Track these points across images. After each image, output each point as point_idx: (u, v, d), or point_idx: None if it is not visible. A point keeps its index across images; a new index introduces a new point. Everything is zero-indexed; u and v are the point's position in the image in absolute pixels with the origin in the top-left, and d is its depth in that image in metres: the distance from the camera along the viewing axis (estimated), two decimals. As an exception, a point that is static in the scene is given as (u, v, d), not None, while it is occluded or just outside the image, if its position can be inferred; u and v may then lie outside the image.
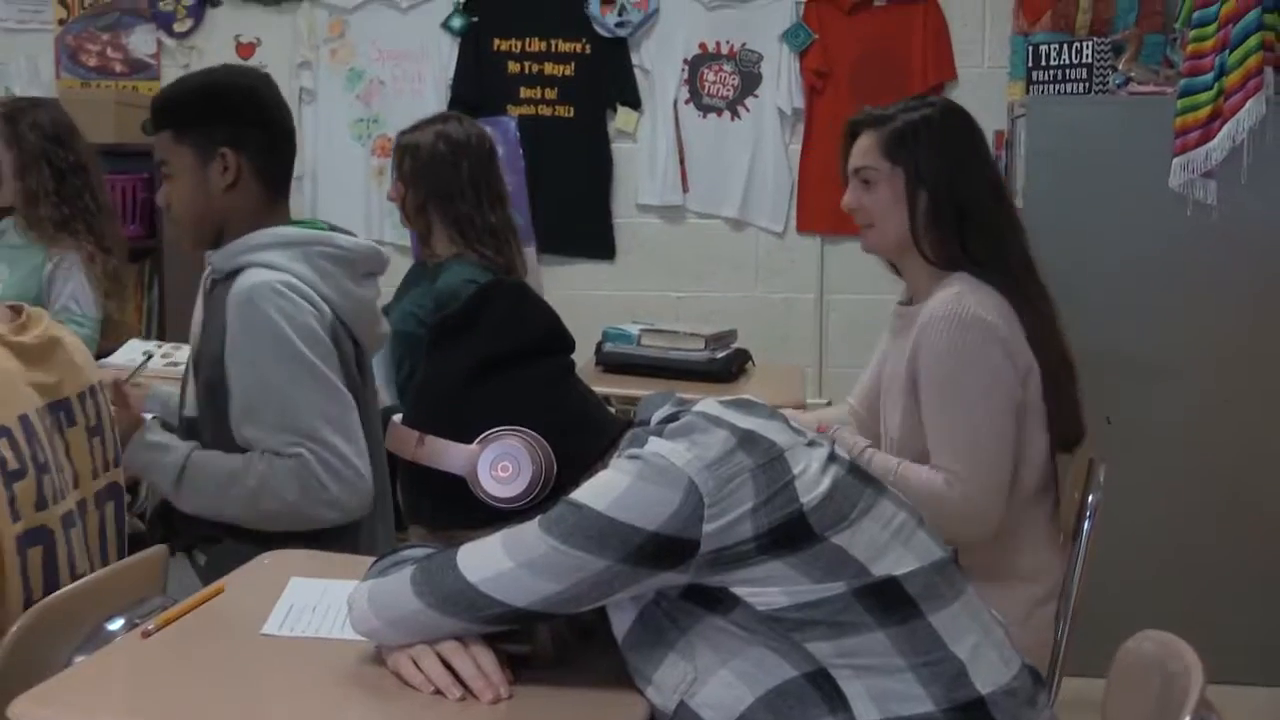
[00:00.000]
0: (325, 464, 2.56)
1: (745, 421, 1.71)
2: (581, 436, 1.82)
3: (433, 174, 3.89)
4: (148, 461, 2.63)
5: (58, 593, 1.93)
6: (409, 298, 3.93)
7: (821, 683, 1.63)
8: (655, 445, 1.68)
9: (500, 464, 1.77)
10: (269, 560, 2.28)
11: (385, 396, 3.51)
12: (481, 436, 1.78)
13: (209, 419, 2.67)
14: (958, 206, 2.66)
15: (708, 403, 1.78)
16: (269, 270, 2.62)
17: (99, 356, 3.73)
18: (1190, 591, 4.25)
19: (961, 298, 2.59)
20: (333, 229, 2.81)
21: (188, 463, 2.61)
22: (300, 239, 2.70)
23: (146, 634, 1.87)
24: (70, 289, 4.05)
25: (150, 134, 2.77)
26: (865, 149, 2.78)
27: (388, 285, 5.21)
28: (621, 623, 1.74)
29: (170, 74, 5.66)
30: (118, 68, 5.73)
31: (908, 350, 2.65)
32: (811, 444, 1.74)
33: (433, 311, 3.75)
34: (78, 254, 4.06)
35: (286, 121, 2.82)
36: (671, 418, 1.77)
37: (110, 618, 1.99)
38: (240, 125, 2.71)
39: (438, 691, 1.70)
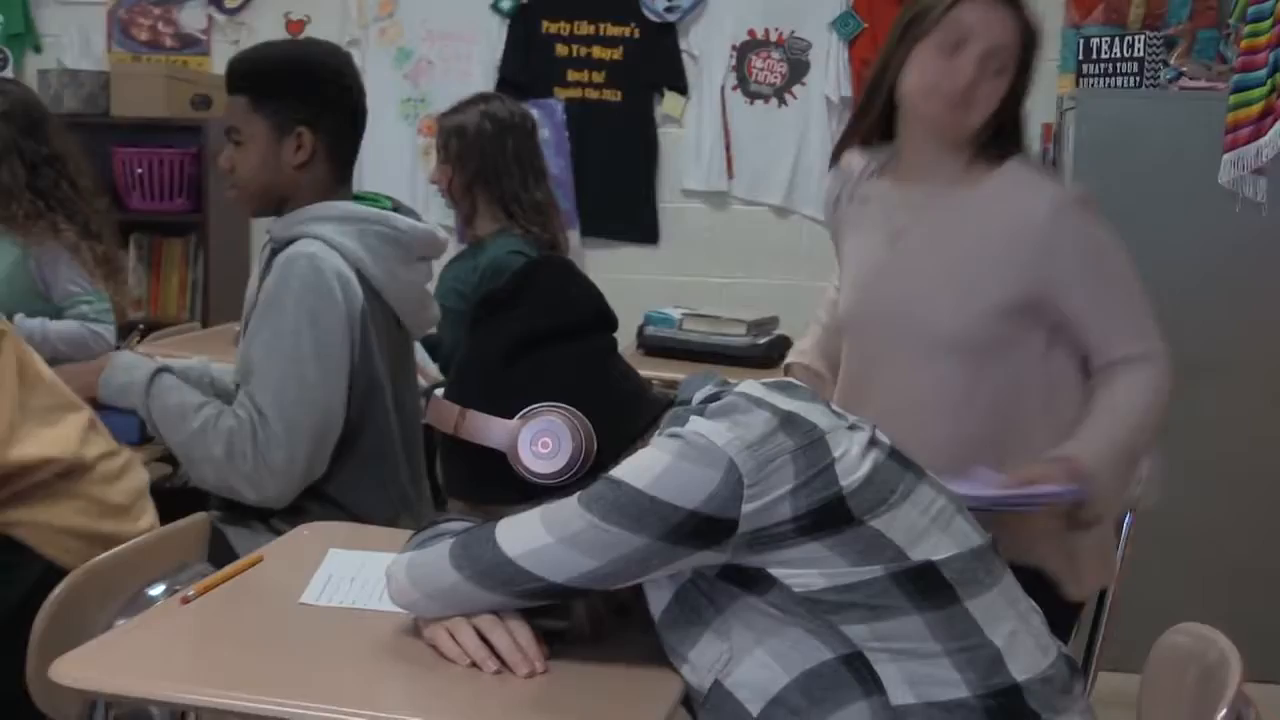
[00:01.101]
0: (255, 438, 2.55)
1: (787, 403, 1.71)
2: (622, 414, 1.83)
3: (479, 153, 3.94)
4: (124, 380, 2.65)
5: (101, 556, 1.95)
6: (450, 273, 3.95)
7: (857, 665, 1.64)
8: (696, 424, 1.68)
9: (541, 440, 1.77)
10: (308, 531, 2.29)
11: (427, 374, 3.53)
12: (523, 412, 1.78)
13: None
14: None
15: (749, 384, 1.78)
16: (319, 243, 2.63)
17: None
18: (1229, 589, 4.23)
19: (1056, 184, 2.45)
20: (397, 208, 2.81)
21: (154, 381, 2.64)
22: (358, 215, 2.71)
23: (186, 600, 1.89)
24: (64, 274, 3.88)
25: (229, 94, 2.74)
26: None
27: (435, 263, 5.23)
28: (658, 601, 1.74)
29: (220, 49, 5.68)
30: (168, 42, 5.75)
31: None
32: (853, 427, 1.74)
33: (476, 286, 3.78)
34: (59, 243, 3.85)
35: (363, 105, 2.81)
36: (713, 398, 1.77)
37: (152, 583, 2.01)
38: (321, 105, 2.71)
39: (474, 664, 1.71)
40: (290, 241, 2.67)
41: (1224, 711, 1.47)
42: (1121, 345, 2.33)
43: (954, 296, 2.35)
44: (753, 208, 5.49)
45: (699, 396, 1.80)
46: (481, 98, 4.09)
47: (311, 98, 2.70)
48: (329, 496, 2.64)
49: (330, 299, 2.59)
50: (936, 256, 2.40)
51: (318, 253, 2.61)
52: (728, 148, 5.47)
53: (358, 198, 2.80)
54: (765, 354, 4.19)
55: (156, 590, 2.00)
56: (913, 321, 2.39)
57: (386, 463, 2.74)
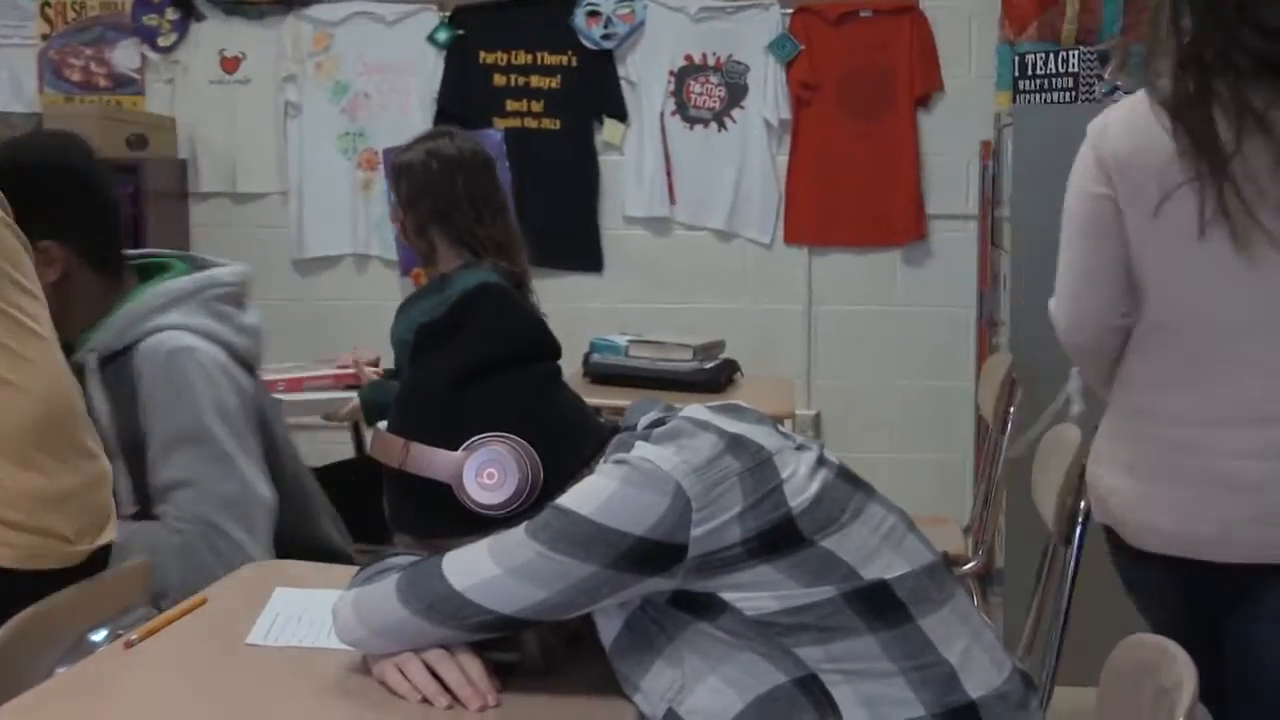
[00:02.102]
0: (215, 549, 2.49)
1: (733, 425, 1.70)
2: (568, 442, 1.81)
3: (428, 193, 3.86)
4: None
5: (40, 603, 1.91)
6: (418, 309, 3.91)
7: (811, 688, 1.62)
8: (642, 450, 1.66)
9: (486, 470, 1.75)
10: (252, 571, 2.26)
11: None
12: (467, 443, 1.77)
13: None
14: None
15: (695, 407, 1.77)
16: (184, 334, 2.54)
17: None
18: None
19: None
20: (194, 261, 2.71)
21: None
22: (190, 289, 2.60)
23: (129, 644, 1.86)
24: None
25: None
26: None
27: (374, 298, 5.21)
28: (609, 630, 1.73)
29: (154, 89, 5.66)
30: (101, 82, 5.71)
31: None
32: (800, 448, 1.73)
33: None
34: None
35: (108, 189, 2.57)
36: (658, 422, 1.75)
37: (94, 628, 1.97)
38: (60, 211, 2.45)
39: (425, 700, 1.69)
40: (132, 344, 2.54)
41: (1180, 721, 1.46)
42: None
43: None
44: (695, 232, 5.50)
45: (644, 422, 1.79)
46: (431, 135, 4.03)
47: (46, 206, 2.41)
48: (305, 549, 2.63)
49: (227, 390, 2.55)
50: None
51: (195, 345, 2.54)
52: (669, 173, 5.47)
53: (141, 268, 2.68)
54: (712, 378, 4.18)
55: (98, 635, 1.97)
56: None
57: (320, 518, 2.73)
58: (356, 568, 1.88)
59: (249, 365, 2.70)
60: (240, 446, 2.55)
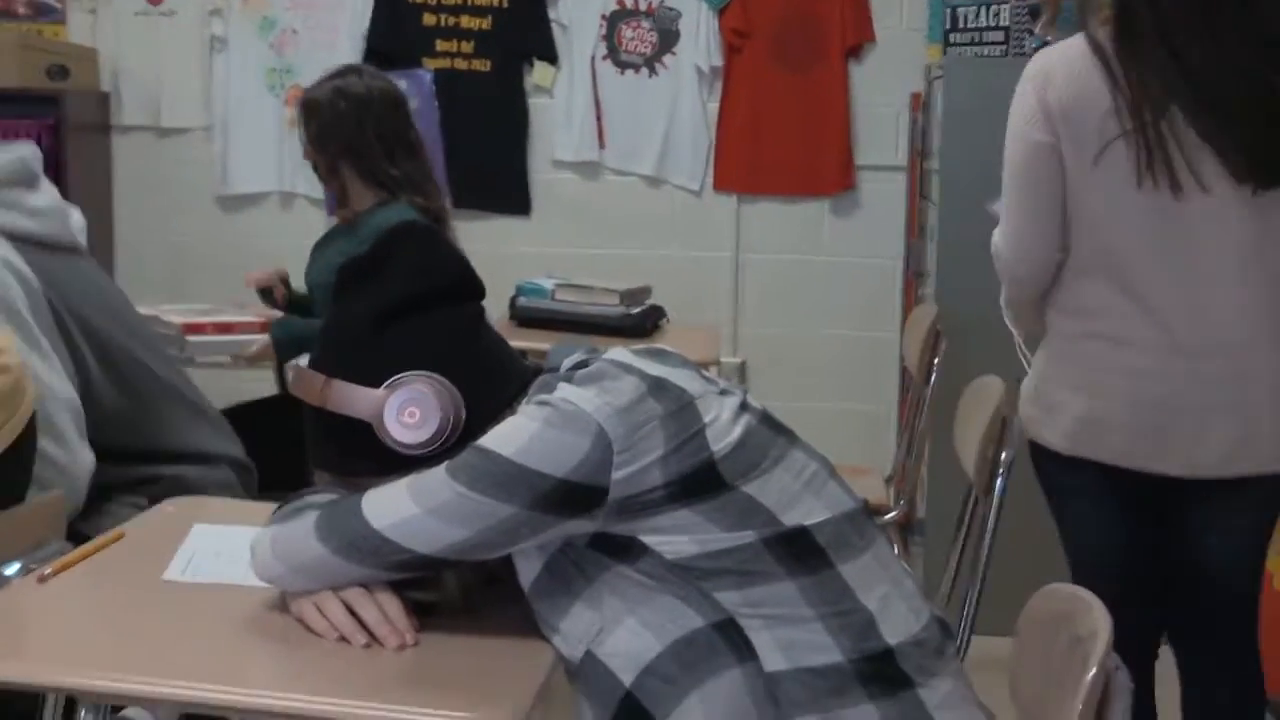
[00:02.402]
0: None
1: (656, 369, 1.70)
2: (490, 383, 1.80)
3: (338, 132, 3.79)
4: None
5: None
6: (333, 248, 3.86)
7: (729, 632, 1.62)
8: (564, 391, 1.66)
9: (407, 409, 1.74)
10: (171, 507, 2.24)
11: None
12: (389, 381, 1.75)
13: None
14: None
15: (618, 351, 1.76)
16: None
17: None
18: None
19: None
20: None
21: None
22: None
23: (43, 579, 1.84)
24: None
25: None
26: None
27: (299, 236, 5.16)
28: (528, 571, 1.72)
29: (76, 19, 5.55)
30: (21, 10, 5.60)
31: None
32: (723, 393, 1.73)
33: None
34: None
35: None
36: (581, 364, 1.75)
37: (6, 562, 1.95)
38: None
39: (342, 638, 1.69)
40: None
41: (1093, 671, 1.48)
42: None
43: None
44: (624, 178, 5.47)
45: (568, 364, 1.79)
46: (340, 72, 3.92)
47: None
48: (176, 453, 2.60)
49: (10, 282, 2.44)
50: None
51: None
52: (599, 118, 5.44)
53: None
54: (638, 324, 4.18)
55: (11, 570, 1.94)
56: None
57: (193, 423, 2.70)
58: (274, 505, 1.86)
59: (52, 248, 2.58)
60: (26, 340, 2.43)
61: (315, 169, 3.89)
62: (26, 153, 2.62)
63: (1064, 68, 2.51)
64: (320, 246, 3.94)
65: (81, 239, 2.70)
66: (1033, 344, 2.82)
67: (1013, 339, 3.00)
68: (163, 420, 2.65)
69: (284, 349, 3.68)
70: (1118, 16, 2.48)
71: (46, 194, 2.63)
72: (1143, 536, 2.70)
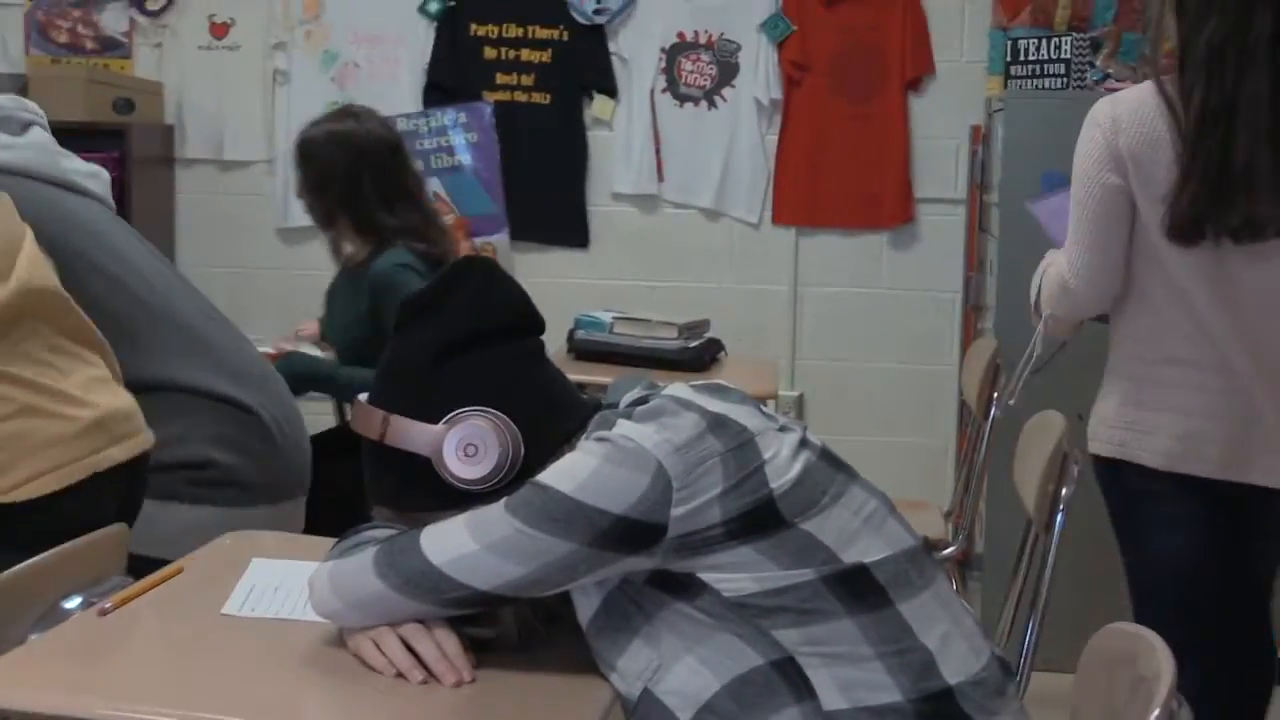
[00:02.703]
0: None
1: (715, 405, 1.70)
2: (549, 418, 1.80)
3: (332, 182, 3.76)
4: None
5: (13, 569, 1.90)
6: (338, 301, 3.82)
7: (788, 671, 1.62)
8: (624, 428, 1.66)
9: (466, 445, 1.74)
10: (230, 540, 2.25)
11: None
12: (448, 417, 1.76)
13: None
14: None
15: (678, 386, 1.76)
16: None
17: None
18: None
19: None
20: None
21: None
22: None
23: (104, 612, 1.85)
24: None
25: None
26: None
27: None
28: (586, 608, 1.72)
29: (143, 52, 5.62)
30: (89, 45, 5.67)
31: None
32: (783, 429, 1.72)
33: (369, 310, 3.66)
34: None
35: None
36: (641, 400, 1.75)
37: (67, 595, 1.96)
38: None
39: (400, 675, 1.69)
40: None
41: (1156, 713, 1.46)
42: None
43: None
44: (683, 210, 5.47)
45: (627, 399, 1.78)
46: (338, 115, 3.88)
47: None
48: (149, 383, 2.64)
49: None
50: None
51: None
52: (657, 150, 5.45)
53: None
54: (696, 357, 4.17)
55: (72, 603, 1.96)
56: None
57: (166, 357, 2.74)
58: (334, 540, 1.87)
59: (33, 179, 2.68)
60: None
61: (310, 210, 3.87)
62: (5, 101, 2.72)
63: (1131, 115, 2.66)
64: (330, 296, 3.94)
65: (92, 186, 2.82)
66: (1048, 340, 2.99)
67: (1052, 354, 3.08)
68: (139, 348, 2.67)
69: (289, 384, 3.66)
70: (1181, 59, 2.62)
71: (31, 136, 2.73)
72: (1218, 541, 2.80)
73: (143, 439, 2.38)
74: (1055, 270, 2.84)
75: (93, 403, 2.30)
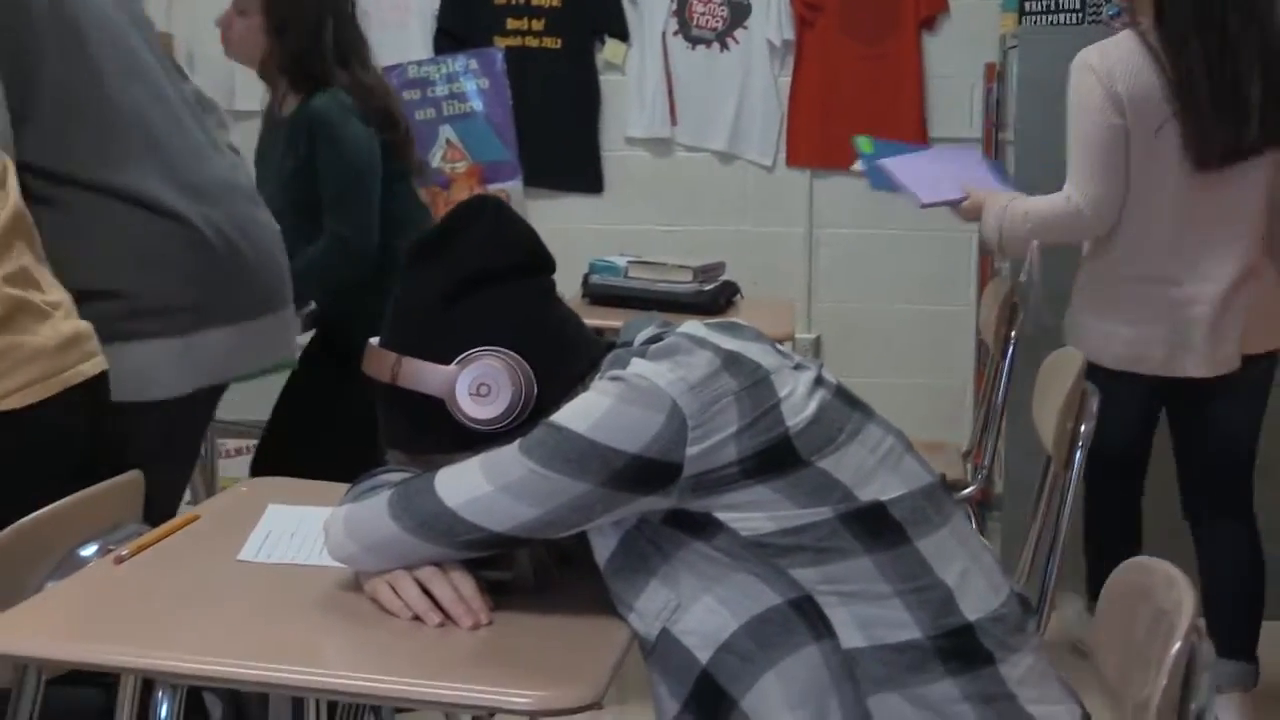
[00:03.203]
0: None
1: (730, 343, 1.68)
2: (562, 358, 1.79)
3: (295, 21, 3.62)
4: None
5: (29, 517, 1.89)
6: (272, 168, 3.65)
7: (806, 609, 1.61)
8: (638, 366, 1.64)
9: (479, 385, 1.73)
10: (246, 488, 2.25)
11: None
12: (460, 357, 1.74)
13: None
14: None
15: (692, 324, 1.75)
16: None
17: None
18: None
19: None
20: None
21: None
22: None
23: (120, 560, 1.84)
24: None
25: None
26: None
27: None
28: (603, 549, 1.71)
29: (152, 4, 5.55)
30: (98, -3, 5.64)
31: None
32: (798, 367, 1.71)
33: (305, 155, 3.55)
34: None
35: None
36: (655, 339, 1.73)
37: (83, 543, 1.96)
38: None
39: (416, 618, 1.68)
40: None
41: (1178, 645, 1.45)
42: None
43: None
44: (696, 154, 5.44)
45: (641, 338, 1.77)
46: None
47: None
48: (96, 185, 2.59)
49: None
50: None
51: None
52: (670, 94, 5.41)
53: None
54: (712, 300, 4.15)
55: (88, 551, 1.95)
56: None
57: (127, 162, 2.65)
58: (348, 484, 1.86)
59: None
60: None
61: (262, 59, 3.71)
62: None
63: (1123, 64, 3.22)
64: (260, 157, 3.75)
65: None
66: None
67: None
68: (91, 147, 2.61)
69: None
70: (1160, 13, 3.22)
71: None
72: (1152, 425, 3.58)
73: (101, 359, 2.39)
74: (1046, 205, 3.39)
75: (65, 320, 2.34)
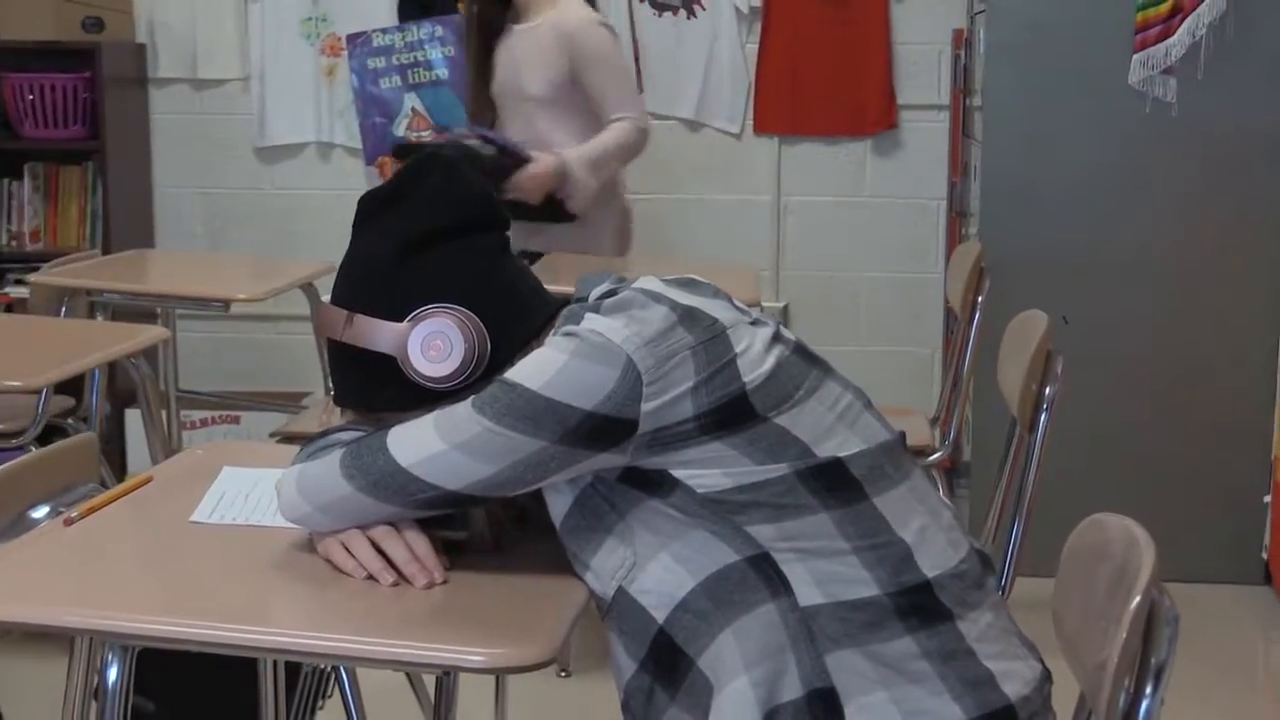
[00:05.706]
0: None
1: (686, 298, 1.66)
2: (516, 314, 1.76)
3: None
4: None
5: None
6: None
7: (763, 566, 1.60)
8: (592, 322, 1.62)
9: (432, 342, 1.71)
10: (201, 451, 2.22)
11: None
12: (412, 314, 1.72)
13: None
14: None
15: (648, 279, 1.73)
16: None
17: None
18: (1144, 489, 4.26)
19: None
20: None
21: None
22: None
23: (69, 521, 1.82)
24: None
25: None
26: None
27: (338, 186, 5.13)
28: (559, 507, 1.69)
29: (113, -29, 5.53)
30: (58, -36, 5.58)
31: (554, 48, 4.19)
32: (756, 323, 1.69)
33: None
34: None
35: None
36: (610, 294, 1.71)
37: (34, 505, 1.93)
38: None
39: (370, 577, 1.66)
40: None
41: (1138, 599, 1.44)
42: (615, 110, 4.17)
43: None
44: (664, 121, 5.41)
45: (596, 293, 1.75)
46: None
47: None
48: None
49: None
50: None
51: None
52: (637, 61, 5.38)
53: None
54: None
55: (40, 512, 1.93)
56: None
57: None
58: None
59: None
60: None
61: None
62: None
63: None
64: None
65: None
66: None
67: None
68: None
69: None
70: None
71: None
72: None
73: None
74: (622, 135, 4.15)
75: None
